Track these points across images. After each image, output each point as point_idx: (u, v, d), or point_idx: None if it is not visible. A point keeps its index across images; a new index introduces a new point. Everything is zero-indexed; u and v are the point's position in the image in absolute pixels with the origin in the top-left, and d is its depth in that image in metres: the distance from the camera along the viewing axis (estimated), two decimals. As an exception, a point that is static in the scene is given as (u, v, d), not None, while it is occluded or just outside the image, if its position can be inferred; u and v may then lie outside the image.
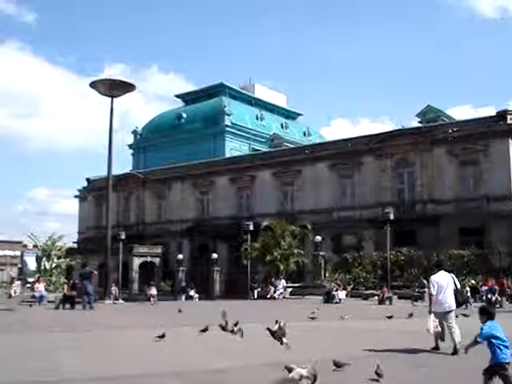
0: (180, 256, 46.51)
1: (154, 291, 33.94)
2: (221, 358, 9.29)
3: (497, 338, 5.70)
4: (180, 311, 19.61)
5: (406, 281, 34.09)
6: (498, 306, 24.43)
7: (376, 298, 29.47)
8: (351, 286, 34.59)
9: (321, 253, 37.90)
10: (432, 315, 10.34)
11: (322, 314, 17.83)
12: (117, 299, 32.12)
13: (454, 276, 10.84)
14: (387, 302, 27.38)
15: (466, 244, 35.00)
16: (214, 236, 48.44)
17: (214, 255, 43.92)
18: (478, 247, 34.65)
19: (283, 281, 36.07)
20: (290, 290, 36.65)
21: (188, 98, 73.41)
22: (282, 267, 36.87)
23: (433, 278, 10.64)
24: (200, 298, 38.52)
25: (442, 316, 10.39)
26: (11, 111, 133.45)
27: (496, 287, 27.83)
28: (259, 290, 37.30)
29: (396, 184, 40.27)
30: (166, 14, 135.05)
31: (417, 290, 29.96)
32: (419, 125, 44.85)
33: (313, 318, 16.54)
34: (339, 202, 42.60)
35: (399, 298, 29.15)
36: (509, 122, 35.91)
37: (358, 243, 40.60)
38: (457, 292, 10.65)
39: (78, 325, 15.81)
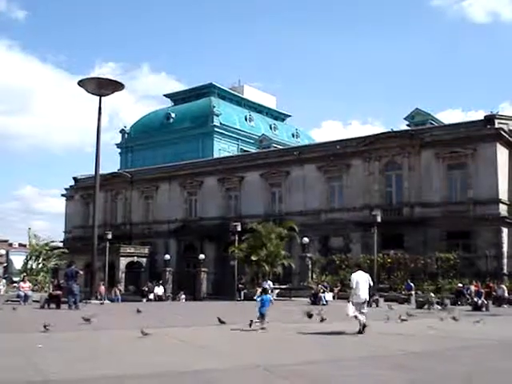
0: (167, 256, 46.28)
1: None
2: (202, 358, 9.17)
3: (263, 303, 12.93)
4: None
5: (393, 283, 34.19)
6: (484, 309, 24.38)
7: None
8: (338, 288, 34.58)
9: (308, 254, 37.82)
10: (350, 303, 12.77)
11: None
12: (105, 299, 31.89)
13: (369, 276, 13.18)
14: (374, 305, 27.33)
15: (452, 247, 35.21)
16: (201, 236, 48.34)
17: (202, 256, 43.74)
18: (464, 250, 34.85)
19: (270, 282, 35.92)
20: (276, 291, 36.53)
21: (177, 97, 73.26)
22: (267, 268, 36.77)
23: (353, 275, 13.05)
24: (187, 299, 38.34)
25: (359, 305, 12.68)
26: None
27: (482, 290, 27.92)
28: (246, 291, 37.16)
29: (384, 187, 40.38)
30: (157, 13, 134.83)
31: (403, 292, 29.96)
32: (408, 128, 45.04)
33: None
34: (327, 204, 42.66)
35: (386, 300, 29.13)
36: (496, 126, 36.18)
37: (345, 245, 40.70)
38: (370, 288, 13.09)
39: (62, 325, 15.61)
